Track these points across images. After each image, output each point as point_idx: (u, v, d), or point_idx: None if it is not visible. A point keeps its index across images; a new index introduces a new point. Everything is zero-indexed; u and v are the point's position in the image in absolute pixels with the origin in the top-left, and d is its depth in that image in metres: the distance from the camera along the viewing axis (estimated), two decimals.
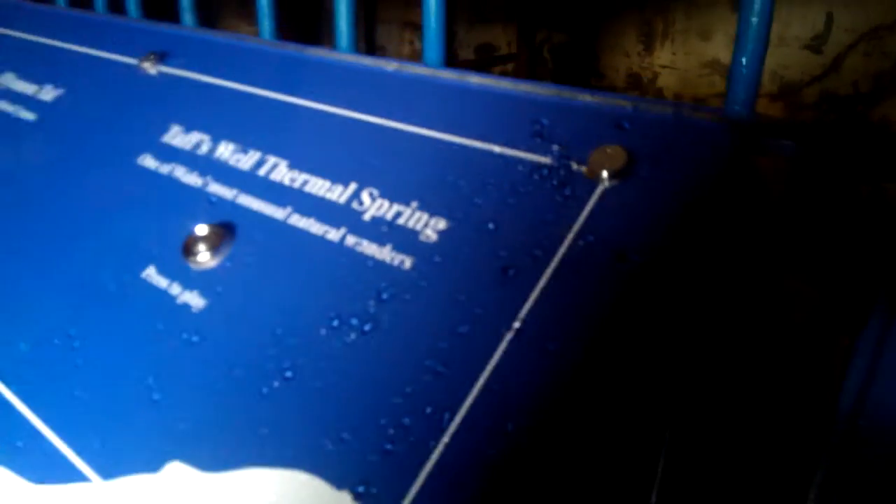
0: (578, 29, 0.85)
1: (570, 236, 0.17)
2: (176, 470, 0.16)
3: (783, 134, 0.24)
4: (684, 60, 0.76)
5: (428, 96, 0.23)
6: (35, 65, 0.36)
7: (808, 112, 0.68)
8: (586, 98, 0.20)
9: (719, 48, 0.74)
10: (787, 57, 0.67)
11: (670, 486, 0.21)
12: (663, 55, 0.78)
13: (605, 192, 0.17)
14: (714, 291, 0.19)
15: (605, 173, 0.17)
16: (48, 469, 0.18)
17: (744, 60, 0.24)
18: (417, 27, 0.91)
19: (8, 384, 0.20)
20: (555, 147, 0.19)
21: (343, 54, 0.27)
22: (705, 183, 0.17)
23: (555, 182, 0.18)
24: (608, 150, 0.18)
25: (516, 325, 0.16)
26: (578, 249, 0.16)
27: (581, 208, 0.17)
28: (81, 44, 0.36)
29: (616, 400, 0.14)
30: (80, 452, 0.17)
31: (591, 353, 0.15)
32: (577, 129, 0.19)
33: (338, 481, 0.14)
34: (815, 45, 0.65)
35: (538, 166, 0.19)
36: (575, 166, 0.18)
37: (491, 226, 0.18)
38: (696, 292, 0.16)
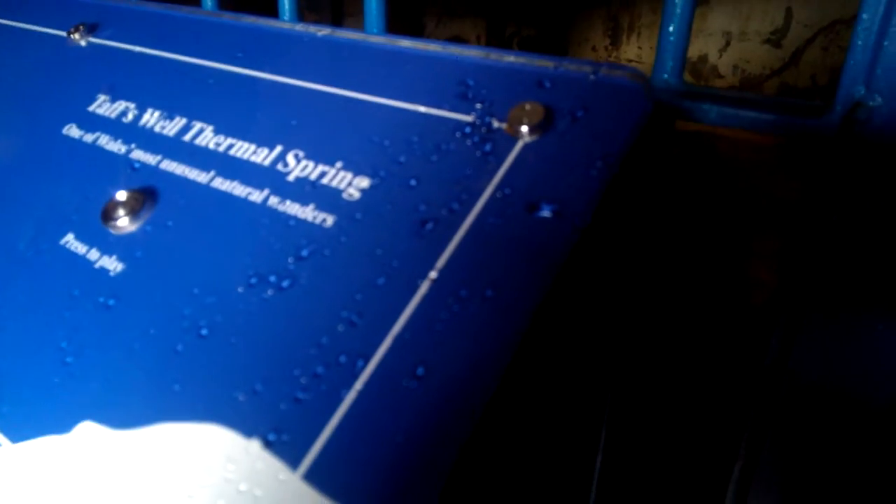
0: (547, 23, 0.85)
1: (489, 189, 0.17)
2: (86, 429, 0.16)
3: (706, 100, 0.24)
4: (650, 54, 0.78)
5: (357, 60, 0.23)
6: None
7: None
8: (511, 59, 0.20)
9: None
10: (747, 51, 0.69)
11: (608, 439, 0.22)
12: (630, 49, 0.79)
13: (524, 147, 0.17)
14: (617, 243, 0.19)
15: (524, 129, 0.17)
16: None
17: (671, 28, 0.25)
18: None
19: None
20: (478, 105, 0.19)
21: (277, 21, 0.27)
22: (619, 138, 0.17)
23: (476, 139, 0.18)
24: (527, 107, 0.18)
25: (432, 275, 0.16)
26: (496, 202, 0.16)
27: (500, 163, 0.17)
28: (10, 18, 0.35)
29: (521, 338, 0.14)
30: None
31: (502, 298, 0.15)
32: (500, 88, 0.19)
33: (248, 431, 0.14)
34: (775, 39, 0.67)
35: (461, 124, 0.19)
36: (496, 124, 0.18)
37: (413, 182, 0.18)
38: (598, 241, 0.16)
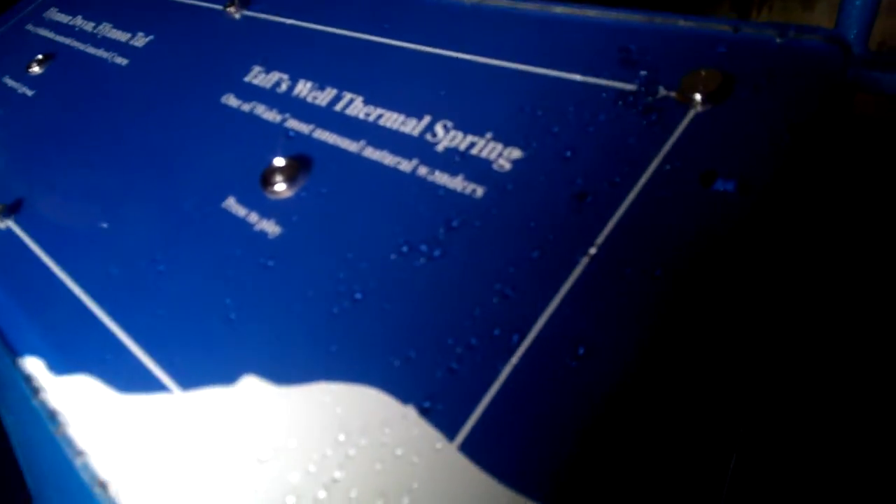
0: None
1: (656, 162, 0.16)
2: (251, 383, 0.16)
3: None
4: None
5: (506, 28, 0.22)
6: (129, 15, 0.38)
7: None
8: (681, 23, 0.18)
9: (822, 17, 0.67)
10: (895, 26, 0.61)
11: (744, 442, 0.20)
12: None
13: (697, 117, 0.16)
14: (804, 224, 0.17)
15: (697, 96, 0.16)
16: (132, 380, 0.18)
17: None
18: None
19: (100, 304, 0.21)
20: (642, 73, 0.18)
21: None
22: (809, 109, 0.15)
23: (640, 108, 0.17)
24: (703, 73, 0.16)
25: (592, 251, 0.15)
26: (665, 174, 0.15)
27: (669, 133, 0.16)
28: None
29: (692, 326, 0.13)
30: (161, 365, 0.18)
31: (671, 277, 0.14)
32: (669, 54, 0.18)
33: (403, 397, 0.14)
34: None
35: (623, 93, 0.18)
36: (664, 91, 0.17)
37: (568, 154, 0.17)
38: (777, 220, 0.14)
